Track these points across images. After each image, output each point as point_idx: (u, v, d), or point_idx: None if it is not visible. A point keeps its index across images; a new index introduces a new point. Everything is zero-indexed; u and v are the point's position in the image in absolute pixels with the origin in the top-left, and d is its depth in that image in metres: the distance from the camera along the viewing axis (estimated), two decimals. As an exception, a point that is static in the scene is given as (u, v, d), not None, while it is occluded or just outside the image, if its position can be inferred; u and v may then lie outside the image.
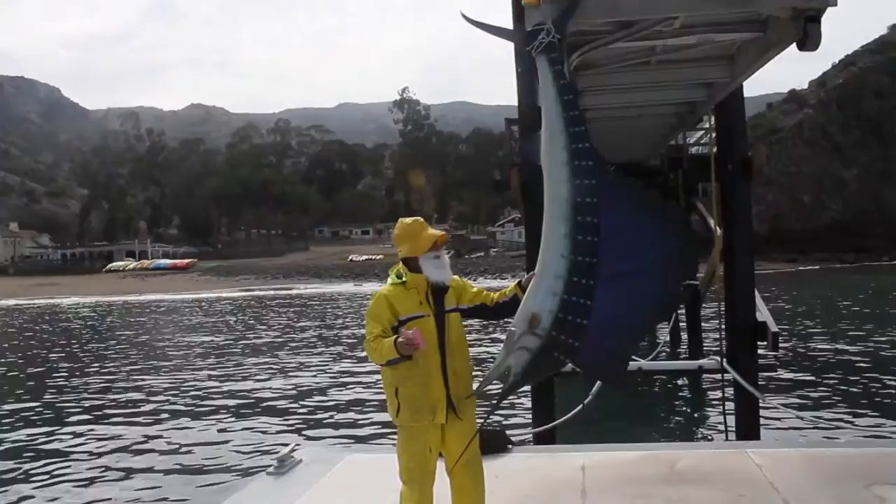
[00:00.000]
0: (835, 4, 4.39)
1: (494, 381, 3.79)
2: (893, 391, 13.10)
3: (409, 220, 3.96)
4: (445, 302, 3.86)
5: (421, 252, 3.83)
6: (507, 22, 6.31)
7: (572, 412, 7.25)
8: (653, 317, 4.41)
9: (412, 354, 3.60)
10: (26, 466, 10.30)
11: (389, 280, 3.92)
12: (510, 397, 4.02)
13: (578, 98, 3.93)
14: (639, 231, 3.87)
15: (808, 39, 4.47)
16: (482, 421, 4.05)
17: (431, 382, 3.74)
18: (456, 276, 4.03)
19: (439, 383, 3.76)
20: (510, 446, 5.72)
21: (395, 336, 3.63)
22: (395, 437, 3.90)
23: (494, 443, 5.49)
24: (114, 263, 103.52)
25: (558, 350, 3.73)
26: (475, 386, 3.98)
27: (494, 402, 3.92)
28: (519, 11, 5.61)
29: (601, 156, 3.92)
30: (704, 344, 16.22)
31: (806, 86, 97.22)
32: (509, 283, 4.11)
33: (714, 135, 10.95)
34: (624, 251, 3.81)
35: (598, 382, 7.16)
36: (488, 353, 16.86)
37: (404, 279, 3.84)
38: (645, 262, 3.86)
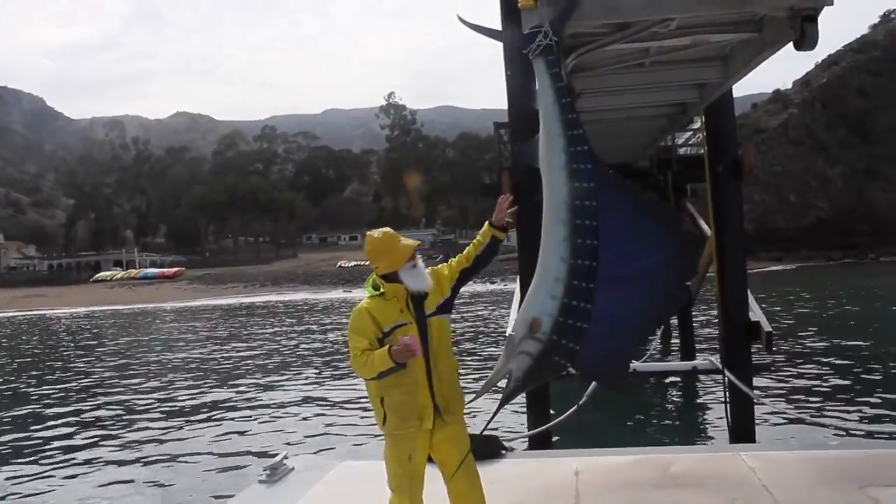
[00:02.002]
0: (831, 3, 4.40)
1: (495, 387, 3.78)
2: (885, 389, 13.12)
3: (377, 233, 3.84)
4: (426, 305, 3.79)
5: (399, 265, 3.75)
6: (497, 22, 6.29)
7: (566, 413, 7.23)
8: (653, 319, 4.38)
9: (406, 362, 3.55)
10: (13, 475, 10.21)
11: (367, 292, 3.84)
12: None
13: (576, 100, 3.90)
14: (638, 233, 3.86)
15: (806, 39, 4.48)
16: (483, 427, 4.02)
17: (417, 390, 3.69)
18: (427, 269, 3.92)
19: (425, 390, 3.71)
20: (504, 451, 5.69)
21: (387, 346, 3.58)
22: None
23: (488, 448, 5.45)
24: (101, 273, 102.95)
25: (559, 354, 3.70)
26: (467, 392, 3.94)
27: (496, 407, 3.87)
28: (508, 12, 5.59)
29: (600, 158, 3.90)
30: (696, 344, 16.30)
31: (790, 86, 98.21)
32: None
33: (703, 135, 10.98)
34: (623, 254, 3.79)
35: (593, 383, 7.16)
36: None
37: (382, 290, 3.77)
38: (644, 265, 3.84)
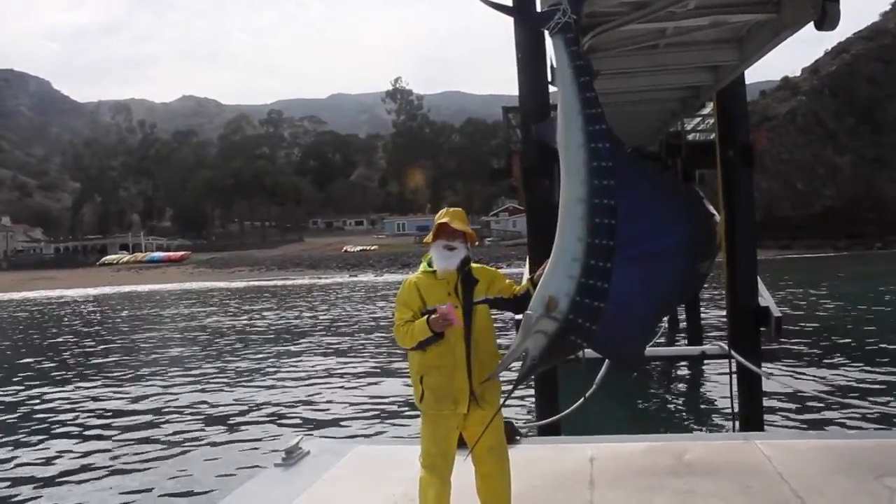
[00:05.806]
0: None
1: (511, 365, 3.77)
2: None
3: (450, 209, 3.99)
4: (475, 293, 3.83)
5: (430, 240, 3.84)
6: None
7: (576, 404, 7.20)
8: (671, 299, 4.36)
9: (444, 332, 3.61)
10: (27, 461, 10.21)
11: (421, 267, 3.90)
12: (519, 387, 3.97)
13: (594, 79, 3.85)
14: (656, 213, 3.82)
15: (827, 18, 4.43)
16: (497, 408, 4.01)
17: (456, 374, 3.74)
18: (491, 268, 4.01)
19: (463, 375, 3.74)
20: (518, 437, 5.70)
21: (426, 315, 3.64)
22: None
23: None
24: (108, 257, 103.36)
25: (575, 333, 3.68)
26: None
27: (511, 386, 3.89)
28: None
29: (618, 137, 3.87)
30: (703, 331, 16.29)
31: (799, 73, 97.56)
32: (502, 270, 4.07)
33: (714, 120, 10.92)
34: (641, 234, 3.75)
35: (602, 372, 7.17)
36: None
37: (434, 268, 3.83)
38: (663, 245, 3.81)
